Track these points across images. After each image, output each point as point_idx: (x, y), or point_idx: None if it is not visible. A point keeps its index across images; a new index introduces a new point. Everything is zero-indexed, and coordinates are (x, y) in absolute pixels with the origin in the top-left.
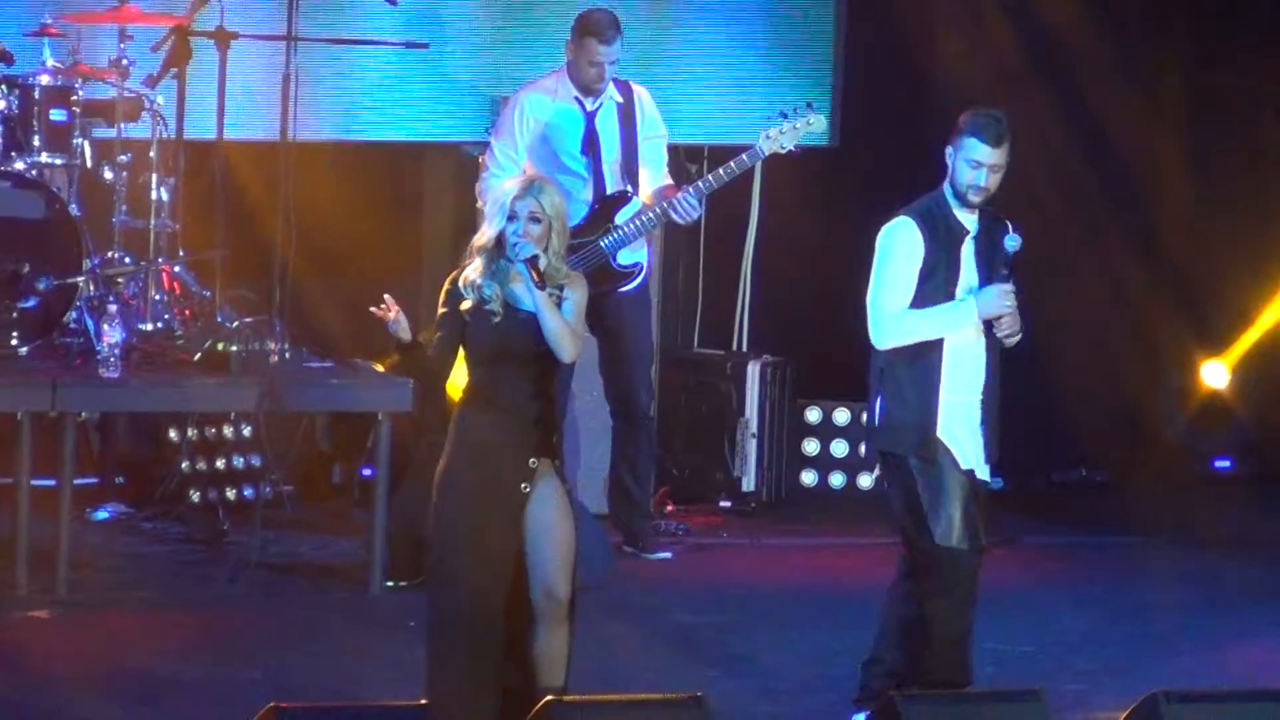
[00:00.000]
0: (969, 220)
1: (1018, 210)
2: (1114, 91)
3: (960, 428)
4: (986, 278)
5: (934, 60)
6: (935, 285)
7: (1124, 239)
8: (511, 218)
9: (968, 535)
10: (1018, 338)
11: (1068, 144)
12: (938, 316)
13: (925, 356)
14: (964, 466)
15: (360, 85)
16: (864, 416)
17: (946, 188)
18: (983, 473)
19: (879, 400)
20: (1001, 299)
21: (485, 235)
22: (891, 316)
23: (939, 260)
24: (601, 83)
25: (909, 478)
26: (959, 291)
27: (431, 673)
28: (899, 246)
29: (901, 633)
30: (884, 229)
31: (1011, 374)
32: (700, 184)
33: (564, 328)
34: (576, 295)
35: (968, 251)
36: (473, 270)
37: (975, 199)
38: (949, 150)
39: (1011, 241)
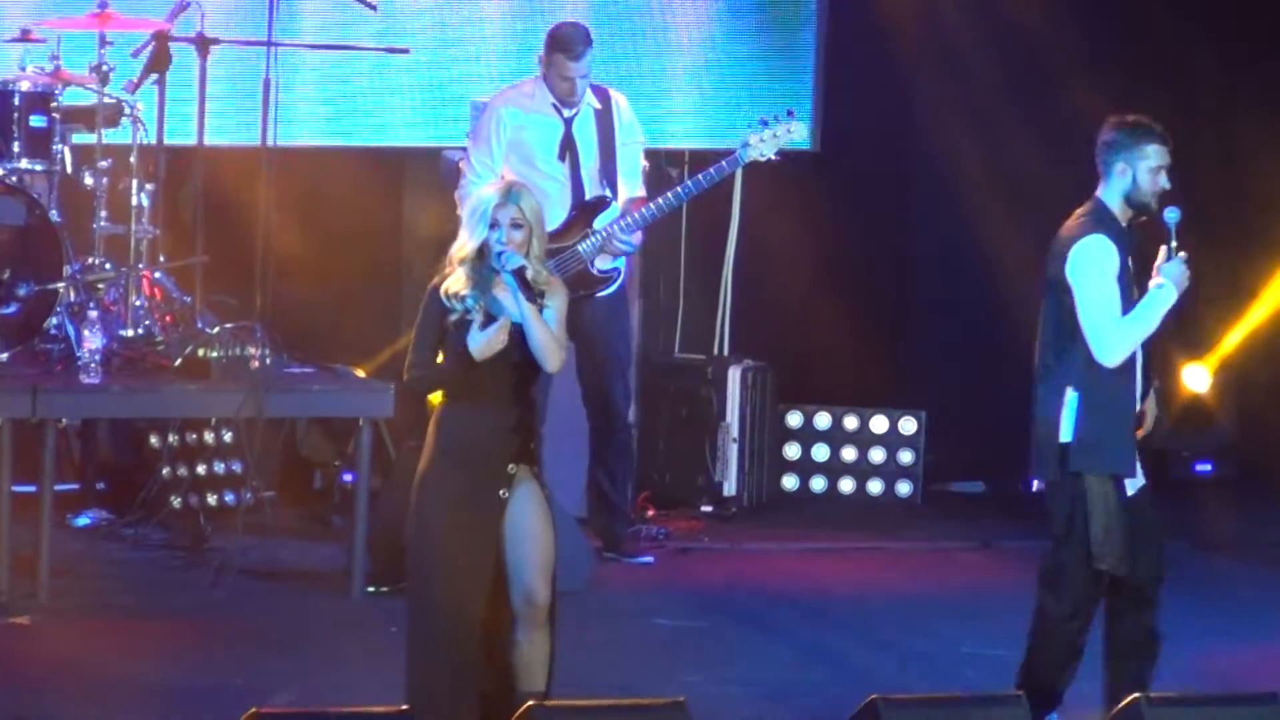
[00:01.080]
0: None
1: (996, 213)
2: (1091, 96)
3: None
4: (1139, 269)
5: (915, 67)
6: (1124, 291)
7: None
8: (493, 226)
9: (1122, 558)
10: None
11: (1047, 149)
12: (1145, 312)
13: (1126, 370)
14: (1140, 481)
15: (341, 91)
16: (1038, 432)
17: (1111, 197)
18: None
19: (1076, 417)
20: (1185, 269)
21: (466, 246)
22: (1115, 330)
23: (1123, 267)
24: (574, 96)
25: (1087, 494)
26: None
27: (411, 678)
28: (1104, 262)
29: (1121, 652)
30: (1079, 249)
31: (990, 376)
32: (680, 190)
33: (550, 338)
34: (558, 303)
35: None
36: (455, 281)
37: (1158, 203)
38: (1117, 163)
39: (1172, 214)
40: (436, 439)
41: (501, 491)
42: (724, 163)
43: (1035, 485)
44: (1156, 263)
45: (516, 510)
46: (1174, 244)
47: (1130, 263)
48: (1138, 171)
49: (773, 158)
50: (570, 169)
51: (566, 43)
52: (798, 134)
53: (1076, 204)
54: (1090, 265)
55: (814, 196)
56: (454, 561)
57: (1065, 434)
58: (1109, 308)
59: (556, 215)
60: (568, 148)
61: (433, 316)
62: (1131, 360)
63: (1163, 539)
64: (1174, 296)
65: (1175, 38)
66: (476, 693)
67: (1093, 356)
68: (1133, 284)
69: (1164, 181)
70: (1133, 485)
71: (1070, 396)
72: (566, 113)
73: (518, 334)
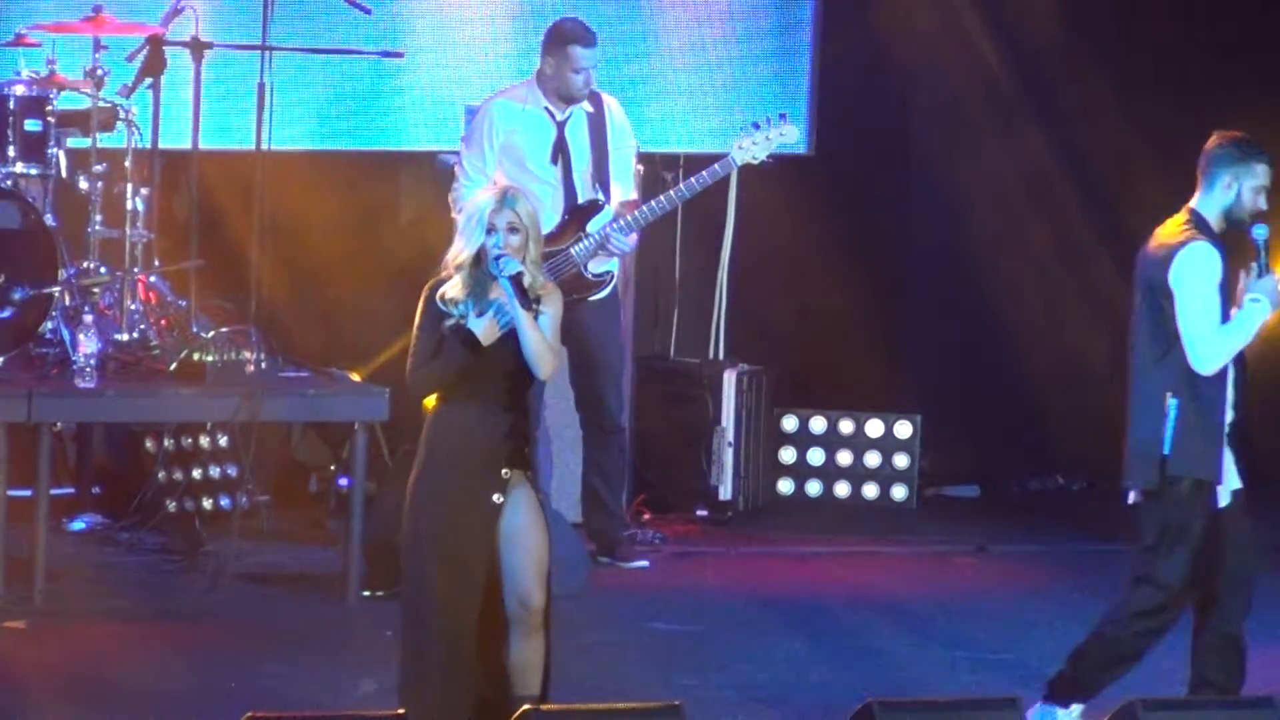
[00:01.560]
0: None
1: (993, 217)
2: (1088, 91)
3: (1227, 448)
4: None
5: (910, 68)
6: (1224, 302)
7: (1099, 243)
8: (490, 230)
9: (1186, 580)
10: None
11: (1043, 148)
12: (1241, 325)
13: (1221, 378)
14: (1234, 486)
15: (335, 94)
16: (1135, 440)
17: (1209, 208)
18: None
19: (1174, 425)
20: (1278, 284)
21: (462, 252)
22: (1215, 338)
23: (1225, 277)
24: (586, 89)
25: (1180, 505)
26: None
27: (405, 682)
28: (1209, 270)
29: (1220, 651)
30: (1185, 255)
31: (985, 380)
32: (673, 193)
33: (544, 346)
34: (552, 310)
35: None
36: (453, 288)
37: (1250, 220)
38: (1224, 176)
39: (1260, 231)
40: (430, 443)
41: (496, 496)
42: (716, 166)
43: (1131, 496)
44: (1244, 279)
45: (510, 514)
46: (1263, 260)
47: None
48: (1243, 188)
49: (765, 160)
50: (563, 172)
51: (578, 32)
52: (790, 136)
53: (1071, 202)
54: (1195, 272)
55: (810, 199)
56: (448, 566)
57: (1165, 442)
58: (1210, 316)
59: (549, 219)
60: (560, 151)
61: (431, 320)
62: (1225, 370)
63: (1257, 543)
64: (1269, 312)
65: (1166, 30)
66: (471, 697)
67: (1190, 364)
68: (1225, 286)
69: (1262, 202)
70: (1226, 492)
71: (1170, 404)
72: (559, 115)
73: (512, 340)
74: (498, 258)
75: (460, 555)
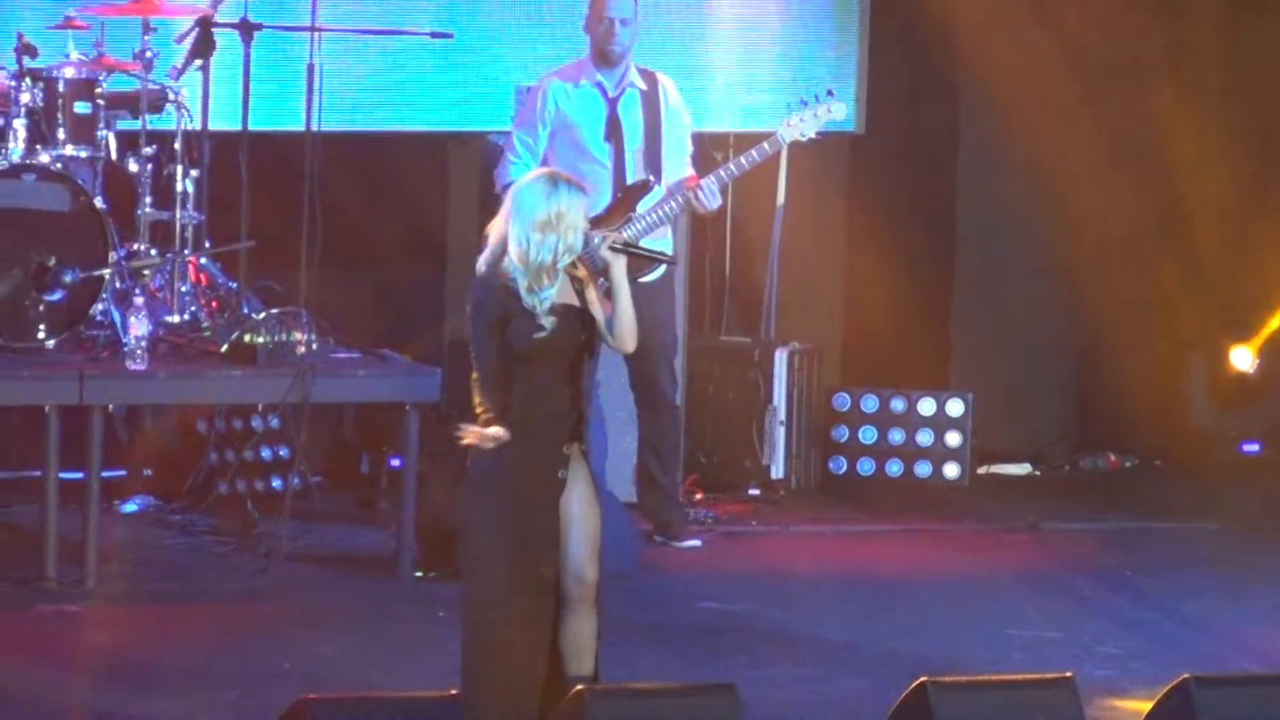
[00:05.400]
0: None
1: (1044, 194)
2: (1143, 73)
3: None
4: None
5: (962, 45)
6: None
7: (1154, 220)
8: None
9: None
10: None
11: (1096, 126)
12: None
13: None
14: None
15: (385, 75)
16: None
17: None
18: None
19: None
20: None
21: (550, 255)
22: None
23: None
24: (614, 41)
25: None
26: None
27: (472, 668)
28: None
29: None
30: None
31: (1037, 358)
32: (722, 171)
33: (634, 320)
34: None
35: None
36: (547, 300)
37: None
38: None
39: None
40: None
41: (560, 472)
42: (765, 144)
43: None
44: None
45: (569, 490)
46: None
47: None
48: None
49: (813, 137)
50: (615, 151)
51: None
52: (838, 113)
53: (1126, 182)
54: None
55: (860, 177)
56: (518, 545)
57: None
58: None
59: (601, 199)
60: (613, 129)
61: (489, 326)
62: None
63: None
64: None
65: (1225, 19)
66: (539, 681)
67: None
68: None
69: None
70: None
71: None
72: (612, 91)
73: (576, 315)
74: (596, 250)
75: (530, 533)
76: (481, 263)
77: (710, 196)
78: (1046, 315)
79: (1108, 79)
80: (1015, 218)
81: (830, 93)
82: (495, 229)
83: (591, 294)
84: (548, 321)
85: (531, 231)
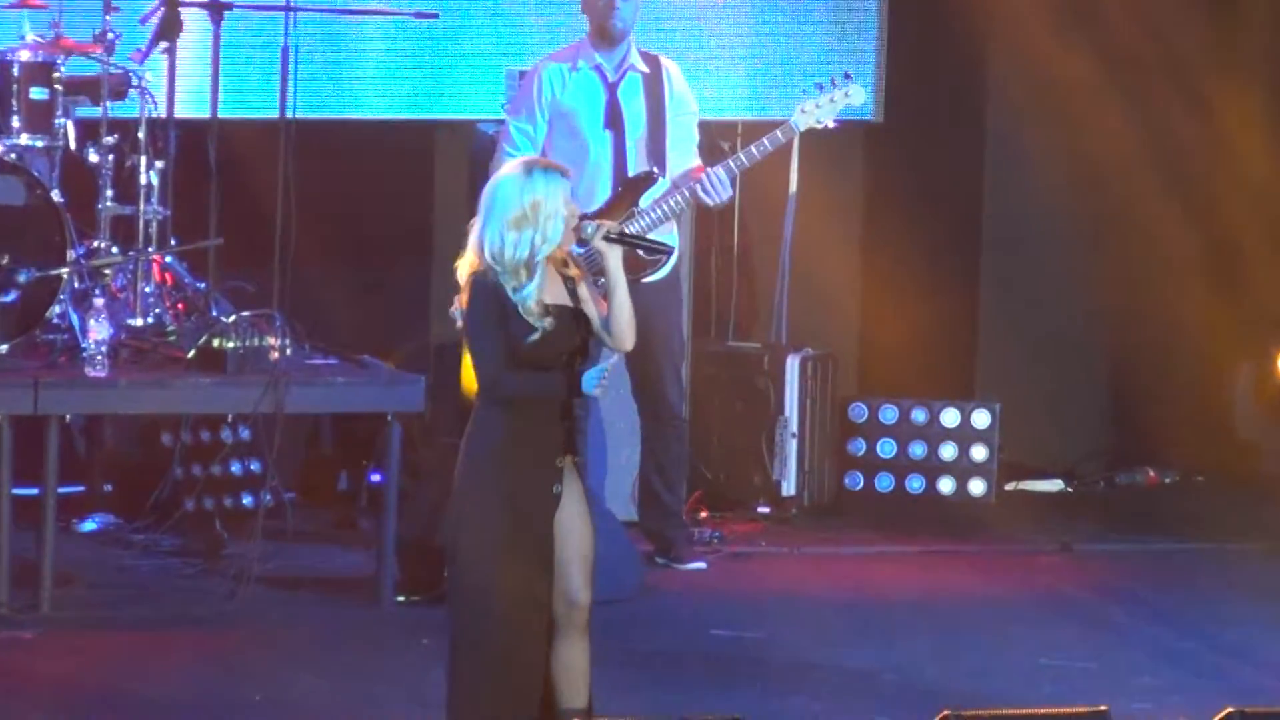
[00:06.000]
0: None
1: (1076, 188)
2: (1187, 64)
3: None
4: None
5: (985, 28)
6: None
7: (1192, 220)
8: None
9: None
10: None
11: (1135, 117)
12: None
13: None
14: None
15: (365, 59)
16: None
17: None
18: None
19: None
20: None
21: (545, 246)
22: None
23: None
24: (614, 17)
25: None
26: None
27: (459, 699)
28: None
29: None
30: None
31: (1069, 366)
32: (731, 162)
33: (632, 315)
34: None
35: None
36: (538, 292)
37: None
38: None
39: None
40: (480, 435)
41: (555, 487)
42: (778, 132)
43: None
44: None
45: (560, 507)
46: None
47: None
48: None
49: (829, 124)
50: (615, 139)
51: None
52: (856, 98)
53: (1165, 186)
54: None
55: (879, 169)
56: (513, 566)
57: None
58: None
59: (600, 191)
60: (613, 116)
61: (493, 317)
62: None
63: None
64: None
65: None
66: (535, 709)
67: None
68: None
69: None
70: None
71: None
72: (611, 75)
73: (570, 315)
74: (594, 230)
75: (524, 553)
76: (464, 264)
77: (719, 188)
78: (1080, 319)
79: (1149, 67)
80: (1046, 213)
81: (847, 76)
82: (472, 229)
83: (584, 291)
84: (541, 322)
85: (506, 229)
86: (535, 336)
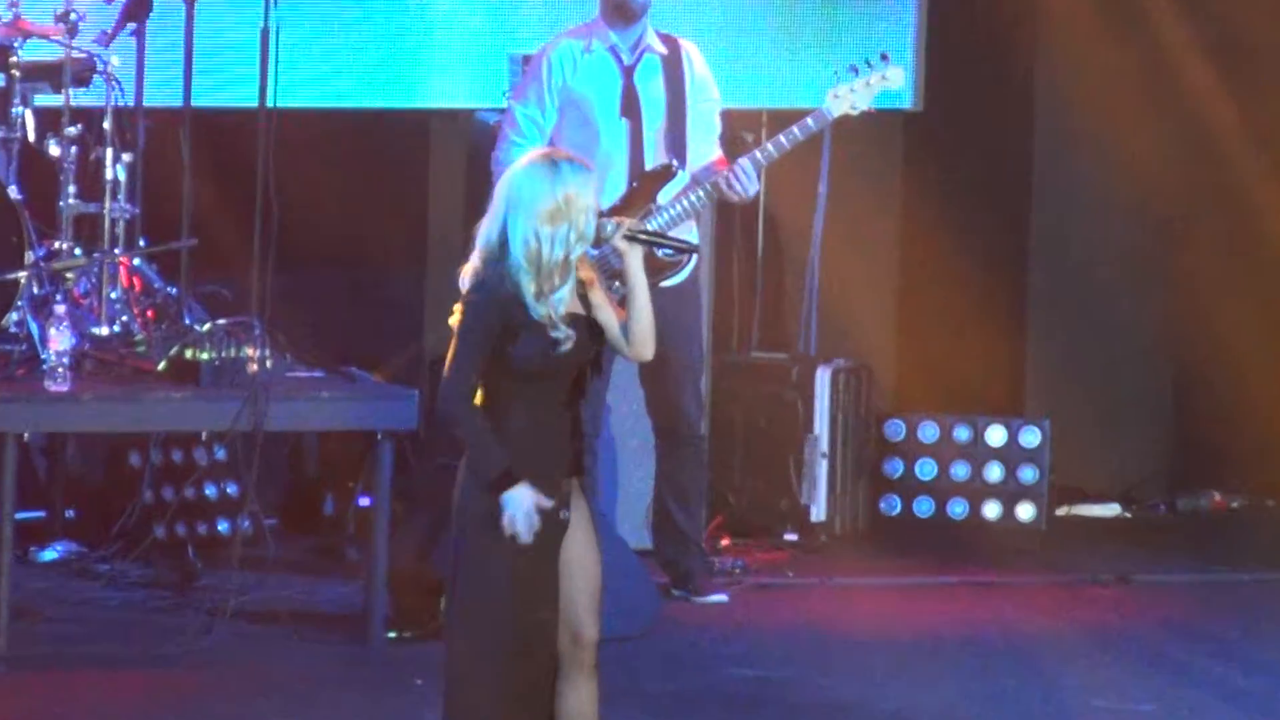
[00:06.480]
0: None
1: (1135, 185)
2: (1257, 50)
3: None
4: None
5: (1036, 7)
6: None
7: (1265, 223)
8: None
9: None
10: None
11: (1199, 110)
12: None
13: None
14: None
15: (354, 42)
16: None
17: None
18: None
19: None
20: None
21: (574, 247)
22: None
23: None
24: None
25: None
26: None
27: None
28: None
29: None
30: None
31: (1126, 379)
32: (758, 153)
33: (653, 321)
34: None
35: None
36: (561, 303)
37: None
38: None
39: None
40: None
41: (563, 513)
42: (809, 120)
43: None
44: None
45: (568, 532)
46: None
47: None
48: None
49: (865, 110)
50: (632, 129)
51: None
52: (894, 80)
53: (1234, 176)
54: None
55: (917, 163)
56: (519, 602)
57: None
58: None
59: (615, 185)
60: (629, 102)
61: (487, 334)
62: None
63: None
64: None
65: None
66: None
67: None
68: None
69: None
70: None
71: None
72: (627, 58)
73: (590, 321)
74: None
75: (529, 585)
76: (470, 271)
77: (746, 181)
78: (1139, 328)
79: (1216, 54)
80: (1101, 214)
81: (884, 57)
82: (486, 229)
83: (597, 297)
84: (564, 333)
85: (539, 225)
86: (564, 350)
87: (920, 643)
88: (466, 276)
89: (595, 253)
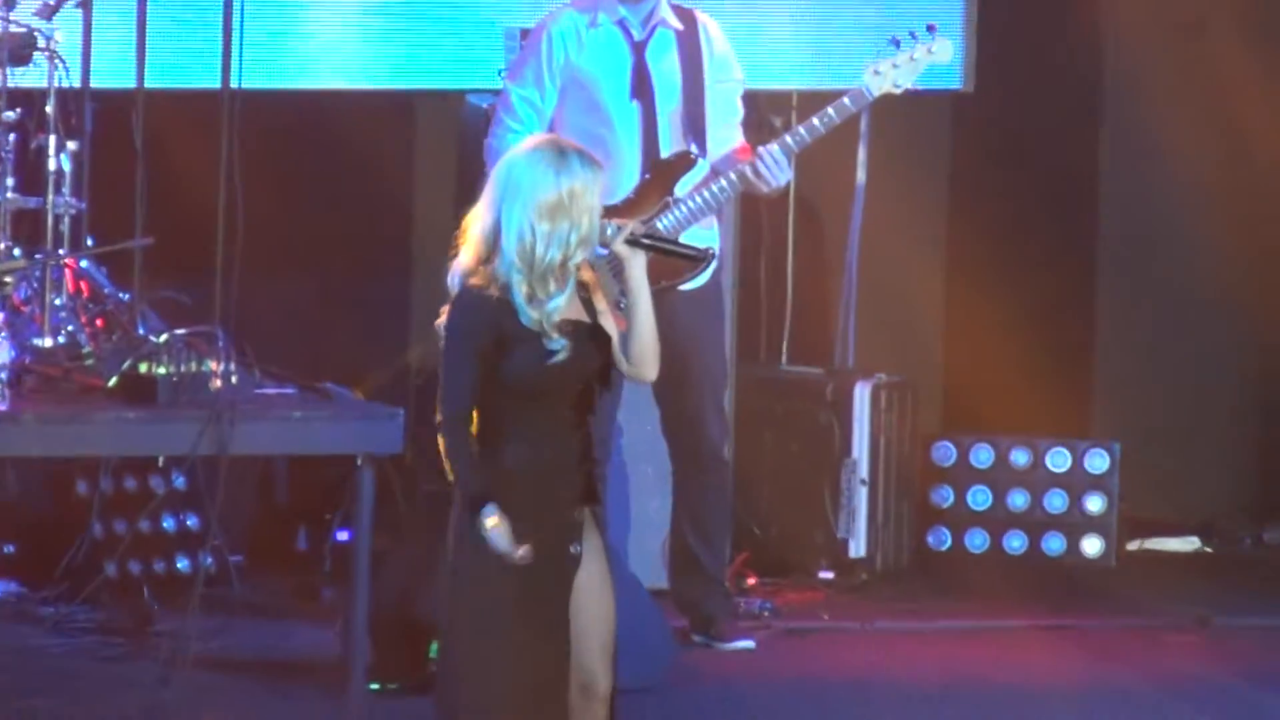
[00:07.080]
0: None
1: (1214, 182)
2: None
3: None
4: None
5: None
6: None
7: None
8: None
9: None
10: None
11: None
12: None
13: None
14: None
15: (330, 19)
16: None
17: None
18: None
19: None
20: None
21: (577, 248)
22: None
23: None
24: None
25: None
26: None
27: None
28: None
29: None
30: None
31: (1204, 399)
32: (789, 138)
33: (655, 337)
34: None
35: None
36: (555, 311)
37: None
38: None
39: None
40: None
41: (573, 547)
42: (845, 100)
43: None
44: None
45: (580, 570)
46: None
47: None
48: None
49: (910, 88)
50: (644, 112)
51: None
52: (942, 54)
53: None
54: None
55: (968, 152)
56: (524, 649)
57: None
58: None
59: (627, 177)
60: (641, 82)
61: (476, 348)
62: None
63: None
64: None
65: None
66: None
67: None
68: None
69: None
70: None
71: None
72: (638, 33)
73: (596, 329)
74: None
75: (535, 629)
76: (459, 270)
77: (775, 170)
78: (1220, 342)
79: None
80: (1180, 211)
81: (931, 29)
82: (478, 220)
83: (601, 302)
84: (560, 343)
85: (537, 219)
86: (556, 360)
87: (974, 695)
88: (455, 274)
89: (605, 251)
